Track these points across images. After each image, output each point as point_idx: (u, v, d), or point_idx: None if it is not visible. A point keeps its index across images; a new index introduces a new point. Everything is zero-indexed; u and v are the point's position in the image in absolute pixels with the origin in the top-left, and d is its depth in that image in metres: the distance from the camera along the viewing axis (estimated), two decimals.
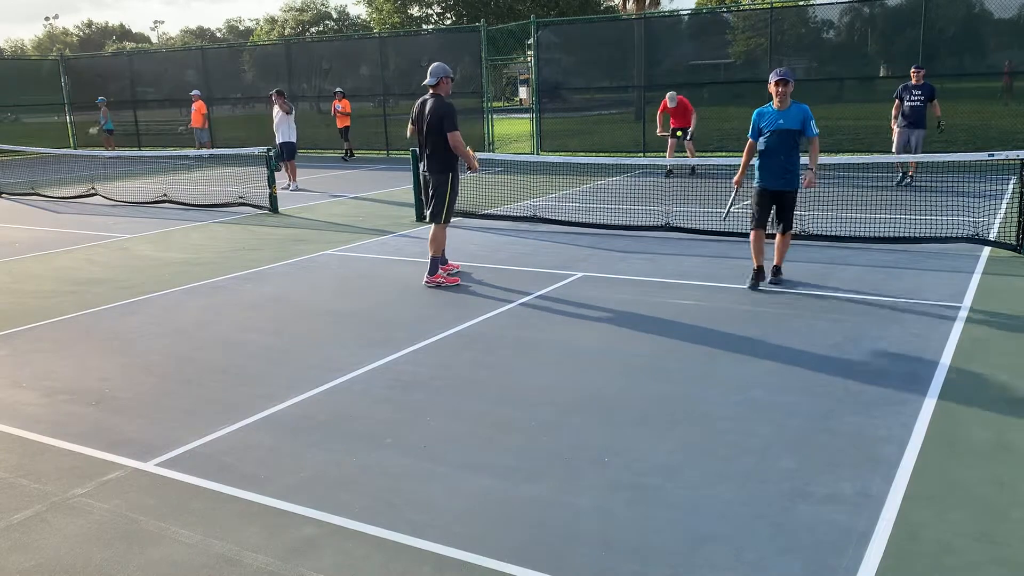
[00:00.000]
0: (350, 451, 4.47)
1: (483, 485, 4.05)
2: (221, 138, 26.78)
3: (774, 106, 7.38)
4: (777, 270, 7.71)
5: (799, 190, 7.50)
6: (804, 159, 7.57)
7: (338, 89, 21.51)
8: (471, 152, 8.14)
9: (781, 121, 7.32)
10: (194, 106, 21.81)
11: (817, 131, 7.37)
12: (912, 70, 13.30)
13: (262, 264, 9.37)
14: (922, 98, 13.00)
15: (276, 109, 16.35)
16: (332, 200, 14.77)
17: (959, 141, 16.19)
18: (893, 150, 13.36)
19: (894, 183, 13.29)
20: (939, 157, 12.30)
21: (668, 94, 16.02)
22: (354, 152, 22.50)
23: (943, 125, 13.44)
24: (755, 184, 7.50)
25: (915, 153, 12.84)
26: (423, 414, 4.95)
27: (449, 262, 8.50)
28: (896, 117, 13.30)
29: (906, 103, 13.14)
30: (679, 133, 16.04)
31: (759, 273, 7.59)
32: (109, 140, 25.29)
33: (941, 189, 12.24)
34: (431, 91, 7.89)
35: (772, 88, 7.32)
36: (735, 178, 7.76)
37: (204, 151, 21.16)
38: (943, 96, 13.94)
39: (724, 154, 17.64)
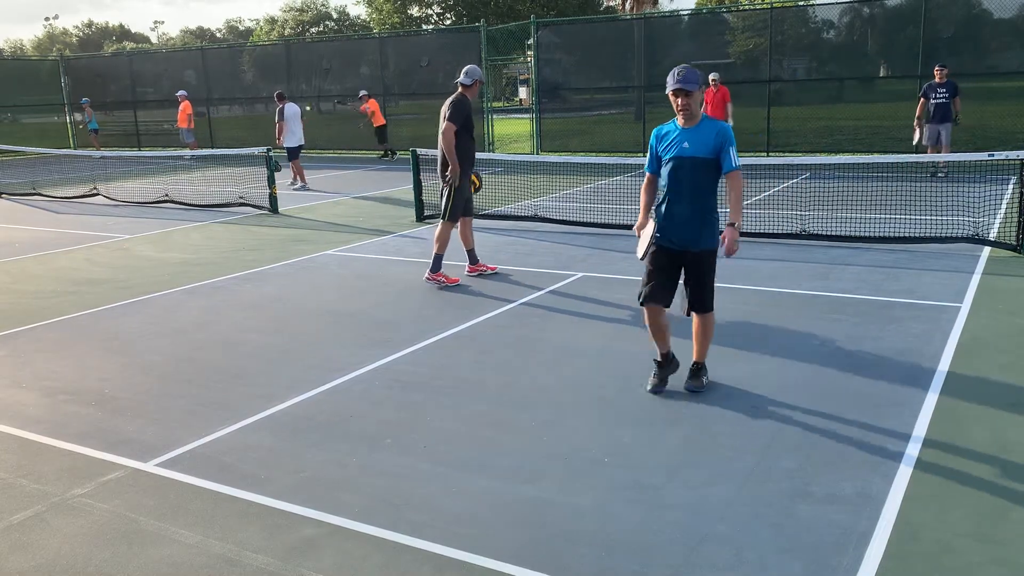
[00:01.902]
0: (350, 451, 4.47)
1: (483, 485, 4.05)
2: (221, 138, 26.80)
3: (678, 123, 5.01)
4: (698, 369, 5.18)
5: (718, 251, 4.96)
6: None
7: (363, 92, 21.49)
8: (456, 162, 7.84)
9: (686, 145, 4.92)
10: (181, 106, 21.83)
11: (738, 164, 4.90)
12: (936, 69, 14.14)
13: (262, 264, 9.37)
14: (946, 95, 13.87)
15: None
16: (332, 200, 14.78)
17: (959, 141, 16.17)
18: (924, 143, 14.21)
19: (928, 175, 14.01)
20: (939, 157, 12.31)
21: (710, 76, 16.29)
22: (393, 151, 22.29)
23: (958, 120, 14.21)
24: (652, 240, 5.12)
25: (945, 146, 13.84)
26: (423, 414, 4.95)
27: (481, 263, 8.48)
28: (920, 115, 14.16)
29: (932, 100, 13.97)
30: None
31: (665, 362, 5.23)
32: (95, 139, 25.25)
33: (942, 189, 12.23)
34: (461, 90, 7.91)
35: (671, 98, 4.90)
36: (636, 224, 5.35)
37: (190, 151, 21.19)
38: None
39: None
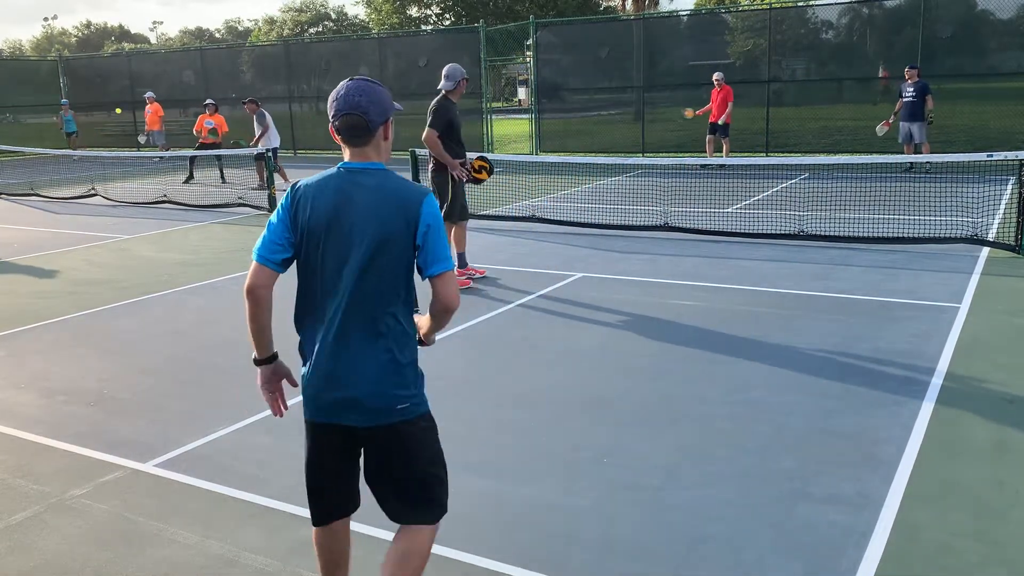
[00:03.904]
0: None
1: (483, 486, 4.05)
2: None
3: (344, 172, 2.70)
4: None
5: (416, 419, 2.81)
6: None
7: (209, 101, 17.86)
8: (450, 158, 7.73)
9: (351, 213, 2.62)
10: (149, 108, 21.70)
11: (450, 264, 2.66)
12: (906, 70, 14.91)
13: None
14: (914, 94, 14.59)
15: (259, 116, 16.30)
16: None
17: (959, 141, 16.20)
18: (899, 141, 14.92)
19: (903, 170, 14.56)
20: (939, 157, 12.32)
21: (715, 76, 16.56)
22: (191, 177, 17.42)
23: (931, 119, 14.72)
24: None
25: (918, 141, 14.53)
26: None
27: (470, 266, 8.33)
28: (897, 110, 14.90)
29: (903, 99, 14.72)
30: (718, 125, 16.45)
31: None
32: (72, 142, 24.57)
33: (941, 189, 12.23)
34: (444, 94, 7.73)
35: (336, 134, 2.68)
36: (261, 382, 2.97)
37: (164, 153, 21.10)
38: (942, 96, 15.21)
39: (720, 154, 17.61)
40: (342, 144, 2.70)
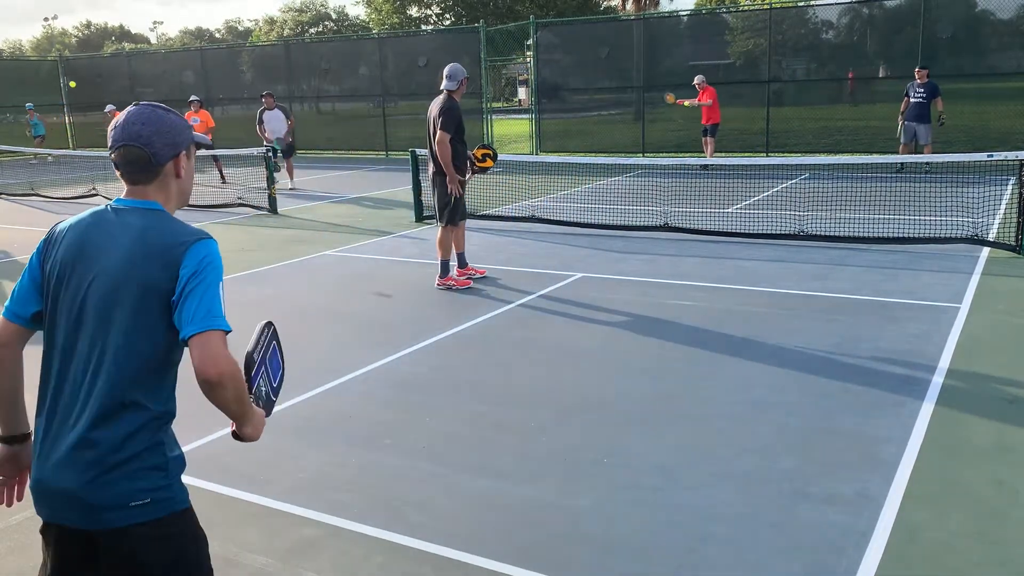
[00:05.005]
0: (350, 451, 4.47)
1: (483, 486, 4.05)
2: (219, 138, 26.73)
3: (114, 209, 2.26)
4: None
5: (164, 519, 2.12)
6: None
7: (194, 98, 17.53)
8: (452, 170, 7.66)
9: (100, 257, 2.17)
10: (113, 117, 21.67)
11: (221, 322, 2.36)
12: (916, 70, 14.74)
13: (261, 265, 9.36)
14: (924, 95, 14.38)
15: (275, 111, 16.40)
16: (331, 201, 14.78)
17: (959, 141, 16.20)
18: (901, 140, 14.72)
19: (895, 170, 14.43)
20: (939, 157, 12.33)
21: (695, 80, 16.53)
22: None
23: (943, 120, 14.60)
24: None
25: (923, 143, 14.36)
26: (423, 414, 4.95)
27: (470, 266, 8.26)
28: (904, 110, 14.68)
29: (911, 99, 14.52)
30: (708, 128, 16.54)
31: None
32: (39, 145, 23.76)
33: (941, 189, 12.24)
34: (447, 94, 7.69)
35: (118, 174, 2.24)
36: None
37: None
38: (942, 96, 14.81)
39: (721, 154, 17.64)
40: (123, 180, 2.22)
